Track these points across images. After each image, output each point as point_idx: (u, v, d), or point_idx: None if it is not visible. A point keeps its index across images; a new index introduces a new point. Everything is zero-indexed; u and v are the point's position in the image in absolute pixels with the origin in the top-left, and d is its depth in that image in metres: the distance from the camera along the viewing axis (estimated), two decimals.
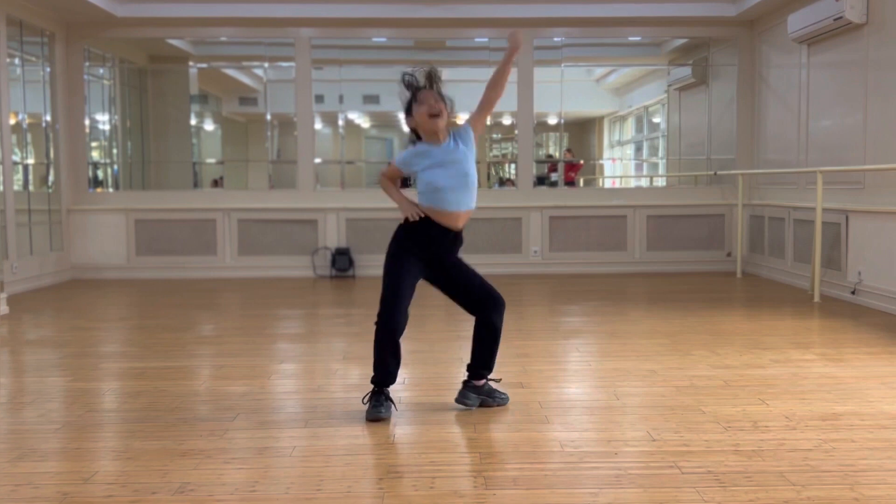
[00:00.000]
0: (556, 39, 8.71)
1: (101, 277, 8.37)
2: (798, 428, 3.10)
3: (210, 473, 2.66)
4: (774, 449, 2.86)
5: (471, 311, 3.39)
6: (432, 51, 9.40)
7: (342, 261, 8.37)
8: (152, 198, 8.65)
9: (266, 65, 8.82)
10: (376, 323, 3.23)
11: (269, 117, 8.83)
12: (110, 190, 8.91)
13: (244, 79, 10.01)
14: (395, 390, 3.48)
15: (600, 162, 12.04)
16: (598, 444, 2.93)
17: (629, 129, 11.79)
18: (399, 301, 3.20)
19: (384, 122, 11.69)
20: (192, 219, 8.49)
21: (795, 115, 7.52)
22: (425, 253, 3.28)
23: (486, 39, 8.71)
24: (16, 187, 7.47)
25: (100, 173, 8.97)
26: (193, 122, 9.57)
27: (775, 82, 8.03)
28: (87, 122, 8.52)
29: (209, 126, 10.43)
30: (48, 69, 8.06)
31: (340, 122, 9.20)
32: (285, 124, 9.04)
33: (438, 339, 4.94)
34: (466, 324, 3.70)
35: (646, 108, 10.98)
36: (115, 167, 9.01)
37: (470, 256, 3.47)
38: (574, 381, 3.98)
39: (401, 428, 3.16)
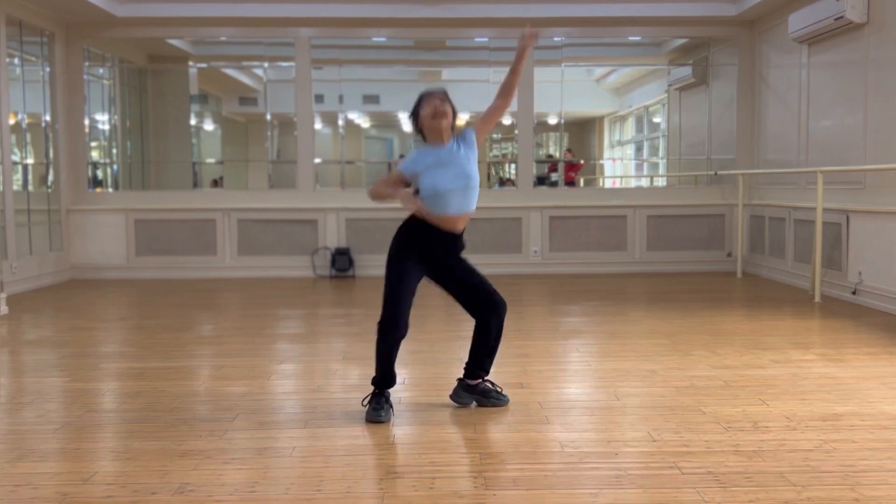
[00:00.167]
0: (556, 39, 8.71)
1: (101, 277, 8.37)
2: (798, 428, 3.10)
3: (209, 474, 2.66)
4: (775, 449, 2.85)
5: (472, 312, 3.41)
6: (432, 51, 9.39)
7: (342, 261, 8.37)
8: (152, 198, 8.64)
9: (266, 65, 8.81)
10: (378, 325, 3.24)
11: (268, 117, 8.82)
12: (110, 190, 8.91)
13: (244, 79, 10.01)
14: (395, 390, 3.48)
15: (600, 162, 12.04)
16: (599, 445, 2.92)
17: (629, 129, 11.79)
18: (401, 303, 3.22)
19: (384, 121, 11.70)
20: (192, 219, 8.48)
21: (796, 115, 7.52)
22: (426, 255, 3.30)
23: (486, 39, 8.71)
24: (15, 187, 7.47)
25: (99, 173, 8.96)
26: (193, 122, 9.57)
27: (775, 82, 8.02)
28: (86, 121, 8.51)
29: (209, 126, 10.43)
30: (48, 69, 8.06)
31: (340, 122, 9.20)
32: (285, 124, 9.04)
33: (438, 339, 4.93)
34: (466, 324, 3.69)
35: (646, 108, 10.98)
36: (115, 167, 9.01)
37: (470, 256, 3.47)
38: (574, 381, 3.97)
39: (401, 428, 3.16)
